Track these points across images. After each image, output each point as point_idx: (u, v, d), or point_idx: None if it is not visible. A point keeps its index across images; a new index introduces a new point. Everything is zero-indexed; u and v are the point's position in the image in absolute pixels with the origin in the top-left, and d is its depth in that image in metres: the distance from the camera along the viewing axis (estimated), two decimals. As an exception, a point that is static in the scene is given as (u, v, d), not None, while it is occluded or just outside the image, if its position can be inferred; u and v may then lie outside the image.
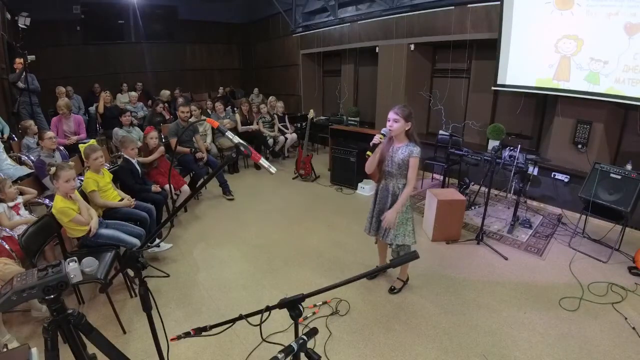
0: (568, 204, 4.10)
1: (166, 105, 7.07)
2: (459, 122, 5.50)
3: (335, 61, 7.65)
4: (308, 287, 2.26)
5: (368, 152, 2.29)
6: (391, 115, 2.32)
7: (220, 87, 9.34)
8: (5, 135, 4.50)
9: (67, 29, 7.84)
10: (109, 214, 3.01)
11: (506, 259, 3.19)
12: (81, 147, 3.10)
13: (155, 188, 3.62)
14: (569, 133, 4.09)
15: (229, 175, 5.66)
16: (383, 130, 2.30)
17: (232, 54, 10.59)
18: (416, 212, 2.58)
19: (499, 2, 4.11)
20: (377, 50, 6.06)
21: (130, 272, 2.75)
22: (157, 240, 3.23)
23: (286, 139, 6.52)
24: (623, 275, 2.93)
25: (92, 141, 3.23)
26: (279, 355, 1.03)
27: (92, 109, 6.82)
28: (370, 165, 2.41)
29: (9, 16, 6.03)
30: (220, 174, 5.00)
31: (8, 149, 4.17)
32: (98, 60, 8.28)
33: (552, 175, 4.18)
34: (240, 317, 1.36)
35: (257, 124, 6.28)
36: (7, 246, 2.46)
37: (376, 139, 2.25)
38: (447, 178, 4.77)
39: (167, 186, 3.76)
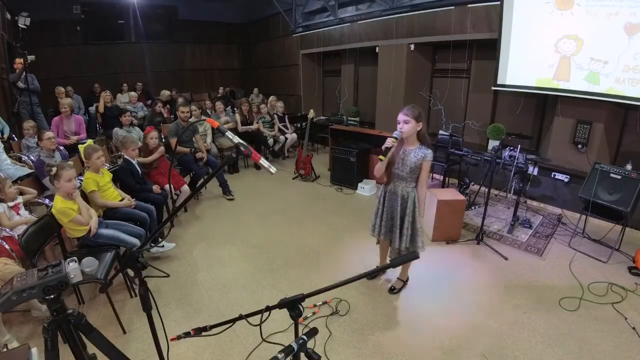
0: (568, 204, 4.10)
1: (168, 106, 7.08)
2: (459, 122, 5.50)
3: (335, 61, 7.65)
4: (308, 287, 2.26)
5: (381, 157, 2.23)
6: (401, 117, 2.27)
7: (220, 87, 9.35)
8: (5, 135, 4.49)
9: (67, 29, 7.83)
10: (109, 214, 3.01)
11: (506, 259, 3.19)
12: (80, 147, 3.09)
13: (156, 189, 3.62)
14: (569, 133, 4.09)
15: (229, 175, 5.66)
16: (395, 134, 2.25)
17: (232, 54, 10.58)
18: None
19: (499, 2, 4.11)
20: (377, 50, 6.06)
21: (130, 272, 2.75)
22: (160, 240, 3.24)
23: (286, 139, 6.53)
24: (623, 275, 2.93)
25: (90, 141, 3.24)
26: (279, 355, 1.03)
27: (92, 109, 6.82)
28: (379, 170, 2.35)
29: (9, 16, 6.03)
30: (220, 174, 5.00)
31: (8, 149, 4.17)
32: (98, 60, 8.27)
33: (552, 175, 4.18)
34: (240, 317, 1.36)
35: (257, 124, 6.28)
36: (7, 246, 2.46)
37: (389, 142, 2.20)
38: (447, 178, 4.77)
39: (167, 186, 3.76)
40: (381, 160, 2.25)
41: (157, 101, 6.68)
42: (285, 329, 2.32)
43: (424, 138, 2.35)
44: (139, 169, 3.60)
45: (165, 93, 7.63)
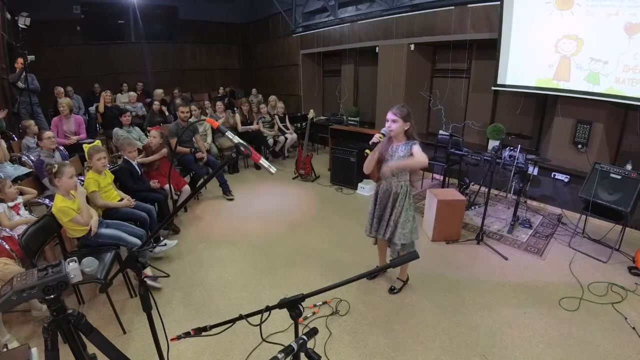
0: (568, 204, 4.10)
1: (163, 107, 7.06)
2: (459, 122, 5.50)
3: (335, 61, 7.65)
4: (308, 287, 2.26)
5: (367, 150, 2.29)
6: (389, 115, 2.32)
7: (220, 87, 9.35)
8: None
9: (67, 29, 7.84)
10: (108, 214, 3.01)
11: (506, 259, 3.19)
12: (85, 147, 3.10)
13: (154, 184, 3.62)
14: (569, 133, 4.09)
15: (229, 175, 5.66)
16: (383, 130, 2.31)
17: (232, 54, 10.58)
18: (416, 212, 2.58)
19: (499, 2, 4.11)
20: (377, 50, 6.06)
21: (147, 271, 2.75)
22: (162, 239, 3.24)
23: (286, 139, 6.53)
24: (623, 275, 2.93)
25: (97, 142, 3.24)
26: (279, 355, 1.03)
27: (92, 109, 6.82)
28: (368, 165, 2.41)
29: (9, 16, 6.03)
30: (220, 174, 5.00)
31: (9, 149, 4.16)
32: (98, 60, 8.27)
33: (552, 175, 4.18)
34: (240, 317, 1.36)
35: (257, 124, 6.28)
36: (7, 246, 2.46)
37: (375, 138, 2.26)
38: (447, 178, 4.77)
39: (167, 186, 3.76)
40: (367, 153, 2.31)
41: (154, 101, 6.67)
42: (285, 329, 2.32)
43: (411, 136, 2.39)
44: (138, 169, 3.60)
45: (158, 92, 7.61)
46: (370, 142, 2.26)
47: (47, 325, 1.20)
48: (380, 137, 2.27)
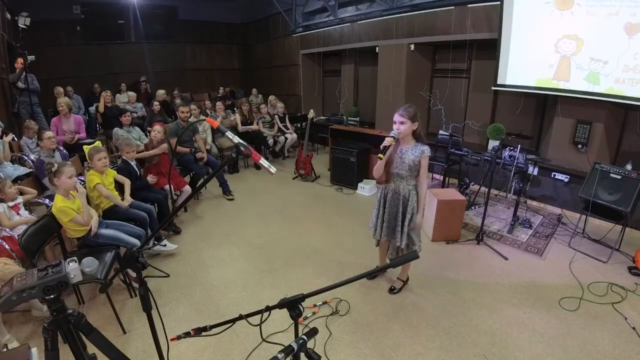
0: (568, 204, 4.10)
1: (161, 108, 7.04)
2: (459, 122, 5.50)
3: (335, 61, 7.65)
4: (308, 287, 2.26)
5: (380, 155, 2.27)
6: (397, 117, 2.30)
7: (220, 87, 9.35)
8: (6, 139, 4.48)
9: (67, 29, 7.84)
10: (108, 214, 3.01)
11: (506, 259, 3.19)
12: (85, 148, 3.11)
13: (151, 180, 3.63)
14: (569, 133, 4.09)
15: (229, 175, 5.66)
16: (392, 133, 2.29)
17: (232, 54, 10.58)
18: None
19: (499, 2, 4.11)
20: (377, 50, 6.06)
21: (132, 273, 2.75)
22: (163, 239, 3.24)
23: (286, 139, 6.53)
24: (623, 275, 2.93)
25: (98, 142, 3.25)
26: (279, 355, 1.03)
27: (92, 109, 6.82)
28: (378, 170, 2.39)
29: (9, 16, 6.03)
30: (220, 173, 5.00)
31: (10, 149, 4.16)
32: (98, 60, 8.27)
33: (552, 175, 4.18)
34: (240, 317, 1.36)
35: (257, 124, 6.28)
36: (7, 246, 2.46)
37: (387, 141, 2.24)
38: (447, 178, 4.77)
39: (167, 186, 3.76)
40: (380, 158, 2.28)
41: (153, 102, 6.66)
42: (285, 329, 2.32)
43: (419, 137, 2.38)
44: (137, 169, 3.60)
45: (160, 92, 7.61)
46: (382, 146, 2.25)
47: (47, 325, 1.20)
48: (392, 141, 2.26)
